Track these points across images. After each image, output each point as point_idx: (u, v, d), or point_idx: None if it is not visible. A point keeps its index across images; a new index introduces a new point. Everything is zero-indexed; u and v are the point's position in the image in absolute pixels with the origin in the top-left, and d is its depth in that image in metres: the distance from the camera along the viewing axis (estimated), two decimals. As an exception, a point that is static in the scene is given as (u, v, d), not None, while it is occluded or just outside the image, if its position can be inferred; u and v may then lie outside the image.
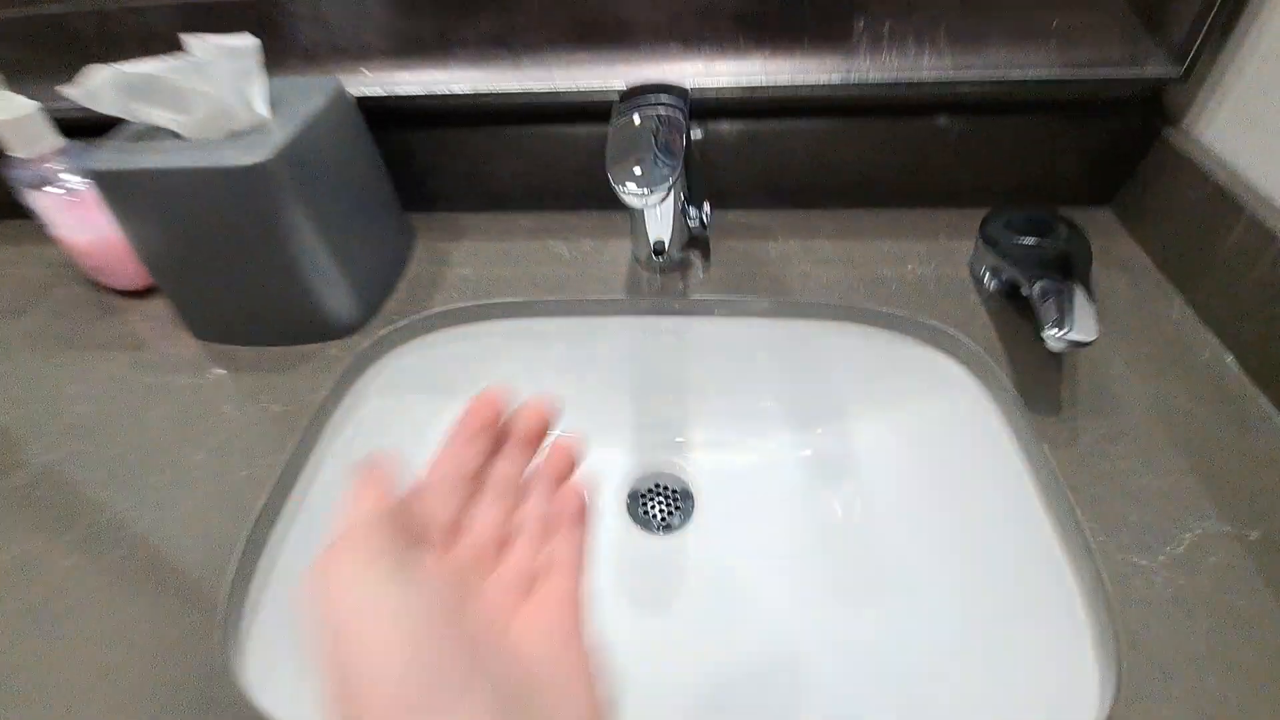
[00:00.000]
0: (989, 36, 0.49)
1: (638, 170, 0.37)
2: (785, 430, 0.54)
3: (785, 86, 0.50)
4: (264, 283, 0.48)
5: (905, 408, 0.50)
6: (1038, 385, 0.45)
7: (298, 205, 0.45)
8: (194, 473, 0.43)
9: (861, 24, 0.48)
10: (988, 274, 0.52)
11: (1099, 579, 0.35)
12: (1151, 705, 0.31)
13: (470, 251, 0.59)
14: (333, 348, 0.51)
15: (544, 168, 0.60)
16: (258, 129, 0.45)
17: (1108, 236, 0.56)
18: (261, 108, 0.46)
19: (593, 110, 0.53)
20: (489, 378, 0.56)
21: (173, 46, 0.43)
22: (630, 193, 0.36)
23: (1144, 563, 0.36)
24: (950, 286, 0.52)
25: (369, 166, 0.54)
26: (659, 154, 0.38)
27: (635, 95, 0.46)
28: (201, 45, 0.44)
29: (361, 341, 0.51)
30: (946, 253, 0.55)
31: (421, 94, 0.53)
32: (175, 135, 0.45)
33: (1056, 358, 0.46)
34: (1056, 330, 0.39)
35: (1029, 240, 0.48)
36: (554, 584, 0.22)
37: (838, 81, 0.49)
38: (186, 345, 0.52)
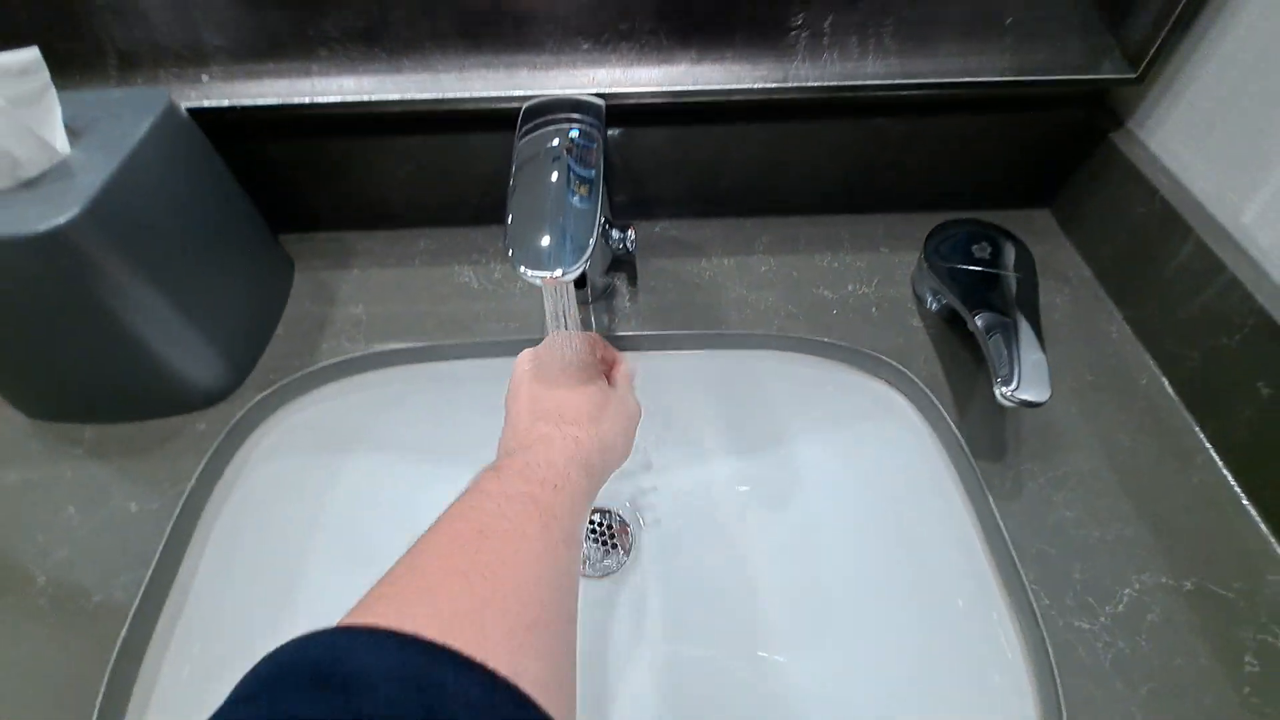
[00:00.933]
0: (939, 32, 0.43)
1: (545, 243, 0.30)
2: (724, 465, 0.51)
3: (716, 91, 0.43)
4: (97, 357, 0.39)
5: (849, 444, 0.48)
6: (982, 424, 0.43)
7: (123, 265, 0.36)
8: (34, 603, 0.36)
9: (800, 19, 0.42)
10: (930, 296, 0.49)
11: (1044, 649, 0.34)
12: (1098, 791, 0.31)
13: (360, 283, 0.51)
14: (199, 420, 0.43)
15: (440, 178, 0.52)
16: (57, 171, 0.35)
17: (1047, 242, 0.54)
18: (58, 141, 0.36)
19: (493, 118, 0.45)
20: (390, 427, 0.51)
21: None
22: (536, 278, 0.30)
23: (1086, 626, 0.35)
24: (892, 309, 0.49)
25: (219, 195, 0.44)
26: (570, 216, 0.32)
27: (538, 117, 0.38)
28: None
29: (233, 410, 0.44)
30: (888, 268, 0.52)
31: (279, 104, 0.43)
32: (-60, 182, 0.35)
33: (1001, 392, 0.44)
34: (1006, 388, 0.37)
35: (973, 268, 0.45)
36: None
37: (773, 86, 0.43)
38: (15, 427, 0.43)
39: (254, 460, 0.45)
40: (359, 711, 0.17)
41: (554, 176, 0.34)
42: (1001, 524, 0.38)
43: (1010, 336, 0.39)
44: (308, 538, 0.46)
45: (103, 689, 0.33)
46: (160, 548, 0.38)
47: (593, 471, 0.31)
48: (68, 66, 0.42)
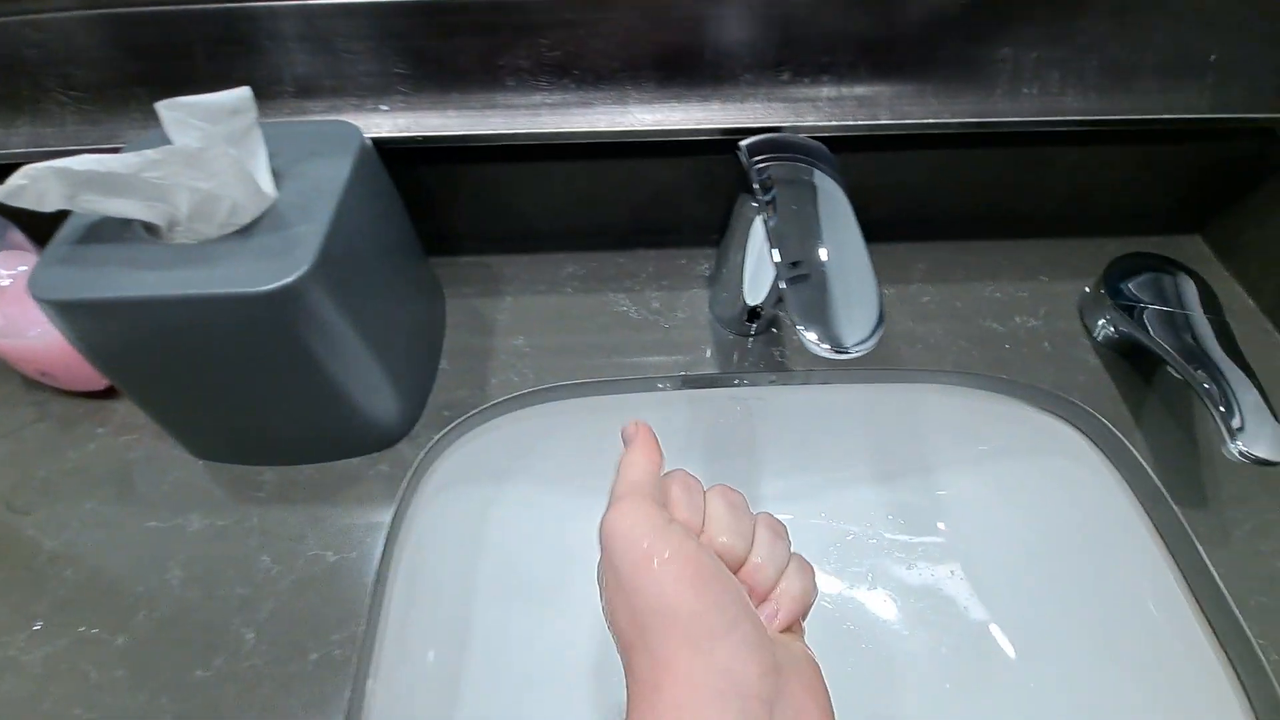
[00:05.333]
0: (1139, 70, 0.42)
1: (850, 326, 0.29)
2: (888, 505, 0.50)
3: (912, 126, 0.42)
4: (294, 403, 0.38)
5: (1026, 486, 0.47)
6: (1176, 469, 0.42)
7: (337, 313, 0.35)
8: (248, 664, 0.35)
9: (1005, 53, 0.41)
10: (1101, 325, 0.48)
11: (1278, 706, 0.34)
12: None
13: (516, 312, 0.50)
14: (381, 462, 0.42)
15: (589, 200, 0.50)
16: (271, 217, 0.34)
17: (1203, 270, 0.53)
18: (266, 184, 0.34)
19: (668, 145, 0.44)
20: (552, 457, 0.50)
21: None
22: (844, 354, 0.29)
23: (1317, 682, 0.35)
24: (1063, 342, 0.48)
25: (398, 229, 0.43)
26: (802, 265, 0.30)
27: (770, 152, 0.37)
28: (184, 113, 0.31)
29: (415, 451, 0.42)
30: (1052, 298, 0.51)
31: (461, 135, 0.41)
32: (146, 226, 0.33)
33: (1189, 433, 0.44)
34: (1240, 443, 0.36)
35: (1164, 308, 0.44)
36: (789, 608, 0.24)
37: (970, 120, 0.42)
38: (188, 469, 0.42)
39: (426, 498, 0.44)
40: None
41: (843, 234, 0.33)
42: (1215, 573, 0.38)
43: (1225, 385, 0.39)
44: (474, 573, 0.45)
45: (337, 753, 0.33)
46: (369, 600, 0.37)
47: None
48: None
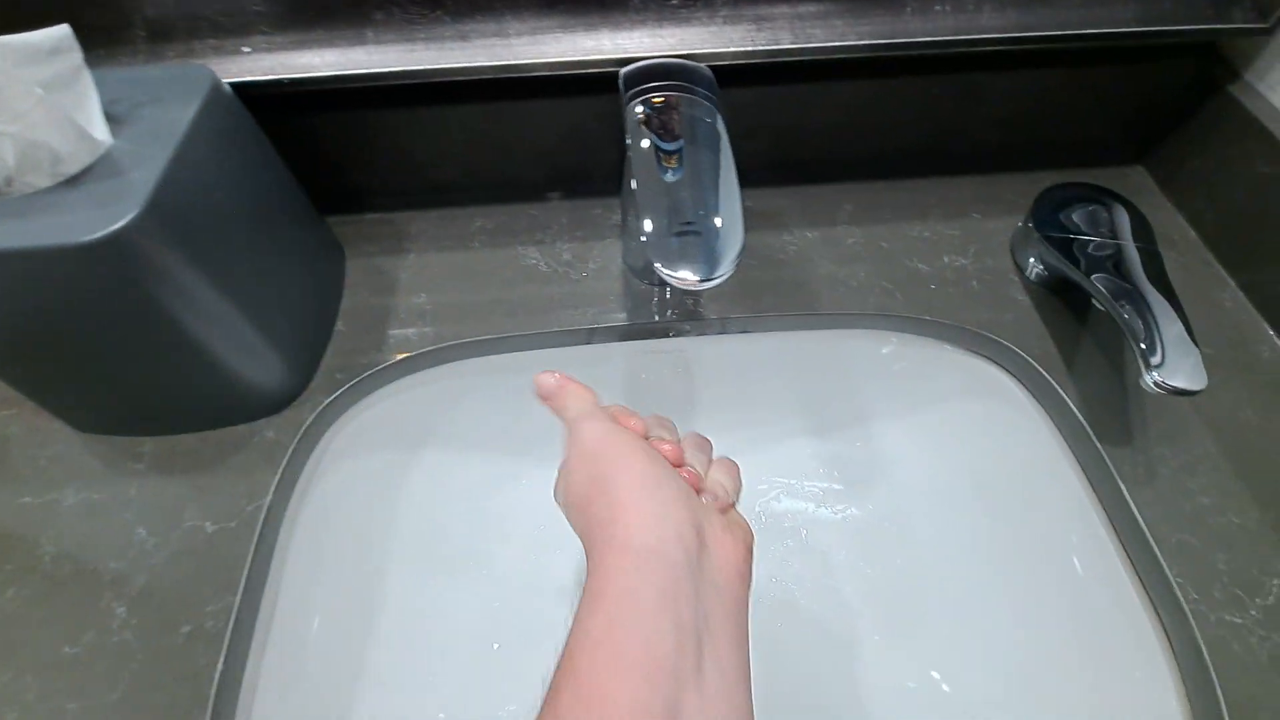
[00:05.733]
0: (1060, -21, 0.39)
1: (695, 251, 0.27)
2: (816, 456, 0.49)
3: (817, 50, 0.39)
4: (157, 366, 0.36)
5: (952, 426, 0.46)
6: (1104, 407, 0.40)
7: (183, 266, 0.33)
8: (119, 638, 0.34)
9: (911, -34, 0.38)
10: (1030, 264, 0.46)
11: (1196, 647, 0.33)
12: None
13: (419, 269, 0.47)
14: (267, 428, 0.40)
15: (499, 150, 0.47)
16: (102, 165, 0.31)
17: (1144, 202, 0.50)
18: (99, 130, 0.32)
19: (564, 83, 0.41)
20: (461, 422, 0.48)
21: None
22: (690, 284, 0.26)
23: (1239, 621, 0.34)
24: (993, 281, 0.46)
25: (269, 180, 0.40)
26: (710, 209, 0.28)
27: (642, 81, 0.34)
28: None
29: (303, 416, 0.40)
30: (983, 236, 0.48)
31: (333, 76, 0.38)
32: (-29, 179, 0.31)
33: (1118, 370, 0.42)
34: (1157, 374, 0.34)
35: (1092, 238, 0.41)
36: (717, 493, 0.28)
37: (881, 43, 0.39)
38: (67, 443, 0.40)
39: (324, 465, 0.42)
40: None
41: (667, 174, 0.30)
42: (1138, 513, 0.36)
43: (1146, 313, 0.37)
44: (383, 543, 0.44)
45: (207, 727, 0.31)
46: (246, 570, 0.35)
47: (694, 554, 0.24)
48: (88, 40, 0.37)
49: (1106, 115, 0.49)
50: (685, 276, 0.27)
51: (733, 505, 0.29)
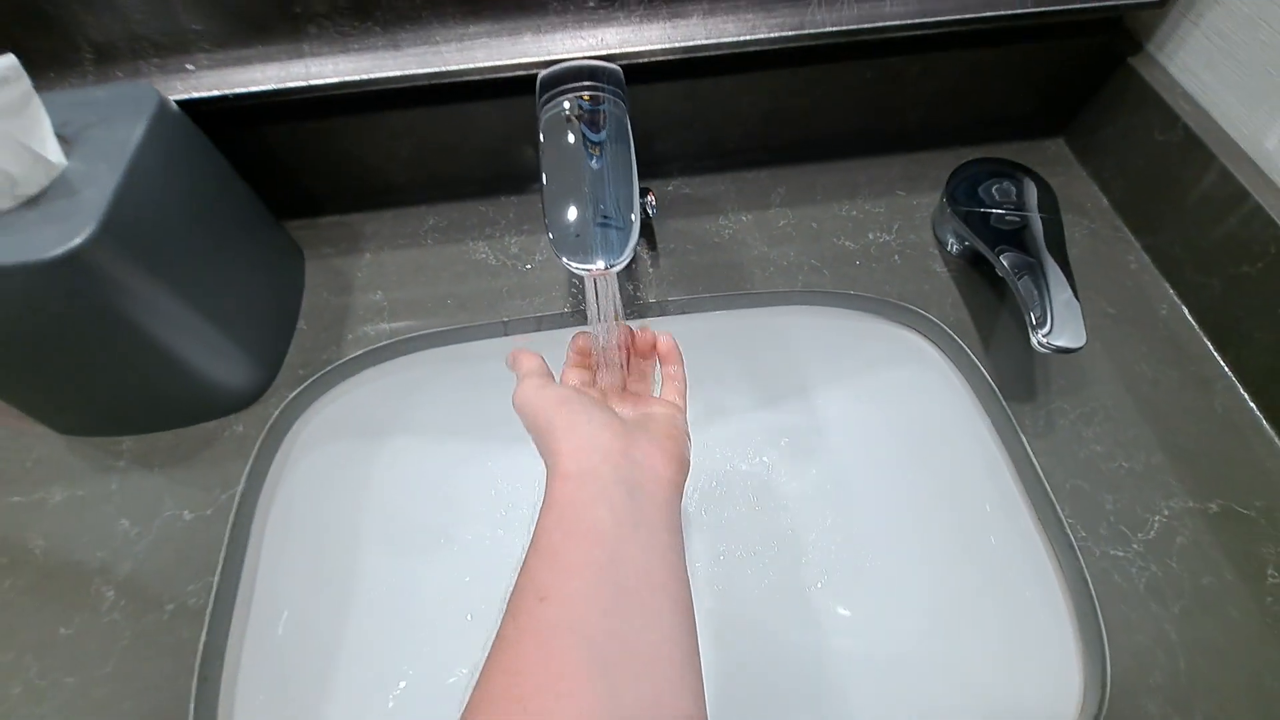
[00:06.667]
0: (957, -34, 0.41)
1: (589, 235, 0.30)
2: (756, 422, 0.52)
3: (730, 44, 0.42)
4: (126, 371, 0.39)
5: (880, 392, 0.49)
6: (1011, 365, 0.44)
7: (142, 277, 0.35)
8: (109, 619, 0.37)
9: (813, -39, 0.40)
10: (951, 239, 0.49)
11: (1083, 578, 0.36)
12: (1133, 699, 0.33)
13: (375, 268, 0.50)
14: (237, 423, 0.43)
15: (445, 151, 0.50)
16: (57, 186, 0.34)
17: (1062, 172, 0.53)
18: (52, 153, 0.34)
19: (497, 86, 0.43)
20: (421, 410, 0.51)
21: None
22: (593, 271, 0.29)
23: (1121, 554, 0.37)
24: (915, 255, 0.49)
25: (223, 190, 0.43)
26: (613, 220, 0.31)
27: (558, 85, 0.37)
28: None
29: (269, 410, 0.43)
30: (906, 213, 0.51)
31: (273, 89, 0.41)
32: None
33: (1025, 334, 0.45)
34: (1042, 335, 0.37)
35: (997, 210, 0.44)
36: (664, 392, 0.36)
37: (790, 34, 0.42)
38: (50, 445, 0.43)
39: (294, 455, 0.45)
40: None
41: (592, 161, 0.33)
42: (1035, 462, 0.40)
43: (1041, 281, 0.40)
44: (354, 523, 0.47)
45: (193, 690, 0.35)
46: (223, 552, 0.38)
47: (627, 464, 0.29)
48: (38, 64, 0.39)
49: (1026, 90, 0.52)
50: (595, 265, 0.29)
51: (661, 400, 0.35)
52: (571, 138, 0.36)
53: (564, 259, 0.30)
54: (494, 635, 0.24)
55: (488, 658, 0.23)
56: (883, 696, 0.40)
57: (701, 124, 0.50)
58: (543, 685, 0.22)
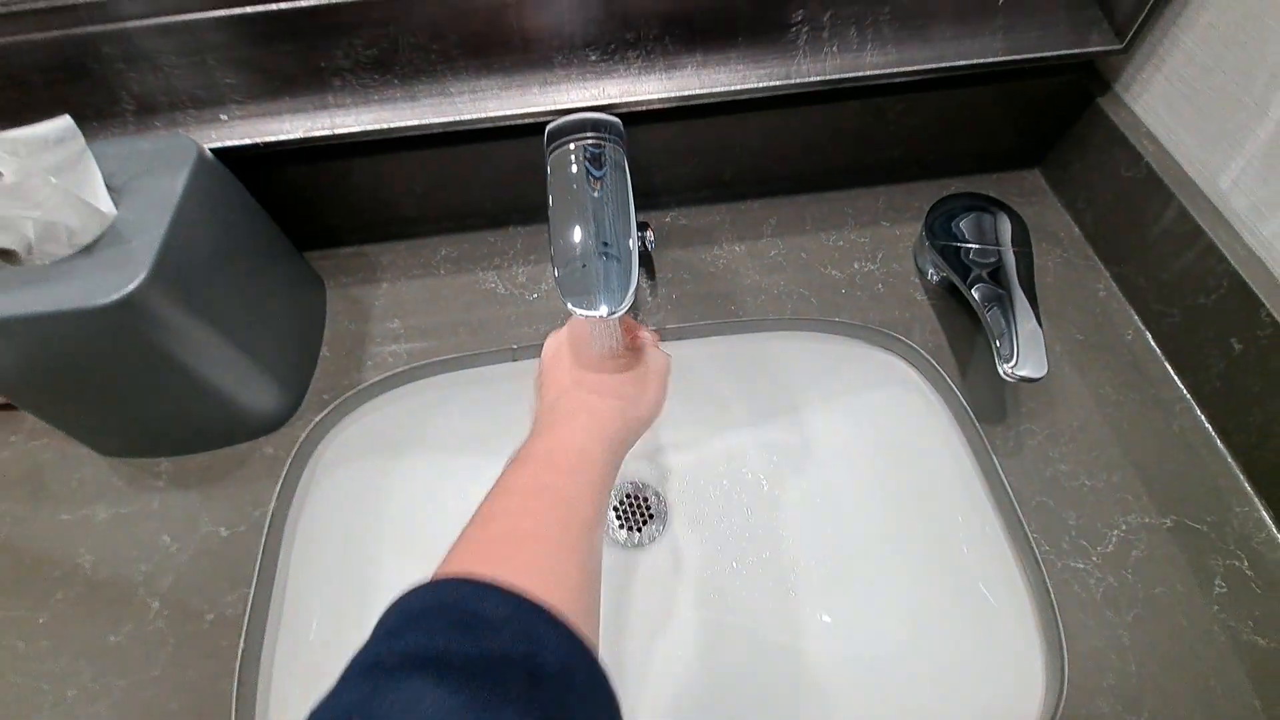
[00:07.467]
0: (934, 18, 0.45)
1: (600, 289, 0.33)
2: (747, 441, 0.55)
3: (722, 94, 0.45)
4: (168, 400, 0.42)
5: (863, 414, 0.52)
6: (985, 388, 0.47)
7: (186, 316, 0.39)
8: (154, 627, 0.40)
9: (800, 15, 0.43)
10: (931, 269, 0.52)
11: (1045, 588, 0.40)
12: (1088, 698, 0.37)
13: (392, 298, 0.53)
14: (267, 445, 0.47)
15: (457, 186, 0.53)
16: (110, 234, 0.37)
17: (1037, 202, 0.56)
18: (103, 204, 0.38)
19: (509, 131, 0.47)
20: (437, 430, 0.54)
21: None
22: (599, 315, 0.33)
23: (1081, 566, 0.41)
24: (897, 284, 0.52)
25: (253, 228, 0.46)
26: (611, 248, 0.34)
27: (564, 135, 0.40)
28: (3, 148, 0.34)
29: (297, 432, 0.47)
30: (890, 243, 0.54)
31: (301, 138, 0.44)
32: (4, 252, 0.37)
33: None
34: (1007, 365, 0.40)
35: (972, 245, 0.48)
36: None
37: (778, 84, 0.45)
38: (94, 466, 0.46)
39: (320, 474, 0.48)
40: (490, 647, 0.22)
41: (594, 192, 0.36)
42: (1005, 480, 0.43)
43: (1009, 314, 0.43)
44: (377, 536, 0.50)
45: (234, 692, 0.38)
46: (257, 565, 0.42)
47: (620, 443, 0.36)
48: (83, 116, 0.42)
49: (1003, 125, 0.55)
50: (598, 311, 0.33)
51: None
52: (575, 170, 0.39)
53: (569, 304, 0.33)
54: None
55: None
56: (861, 696, 0.43)
57: (697, 159, 0.54)
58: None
